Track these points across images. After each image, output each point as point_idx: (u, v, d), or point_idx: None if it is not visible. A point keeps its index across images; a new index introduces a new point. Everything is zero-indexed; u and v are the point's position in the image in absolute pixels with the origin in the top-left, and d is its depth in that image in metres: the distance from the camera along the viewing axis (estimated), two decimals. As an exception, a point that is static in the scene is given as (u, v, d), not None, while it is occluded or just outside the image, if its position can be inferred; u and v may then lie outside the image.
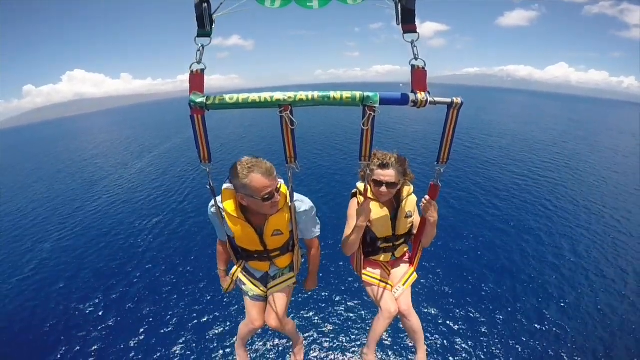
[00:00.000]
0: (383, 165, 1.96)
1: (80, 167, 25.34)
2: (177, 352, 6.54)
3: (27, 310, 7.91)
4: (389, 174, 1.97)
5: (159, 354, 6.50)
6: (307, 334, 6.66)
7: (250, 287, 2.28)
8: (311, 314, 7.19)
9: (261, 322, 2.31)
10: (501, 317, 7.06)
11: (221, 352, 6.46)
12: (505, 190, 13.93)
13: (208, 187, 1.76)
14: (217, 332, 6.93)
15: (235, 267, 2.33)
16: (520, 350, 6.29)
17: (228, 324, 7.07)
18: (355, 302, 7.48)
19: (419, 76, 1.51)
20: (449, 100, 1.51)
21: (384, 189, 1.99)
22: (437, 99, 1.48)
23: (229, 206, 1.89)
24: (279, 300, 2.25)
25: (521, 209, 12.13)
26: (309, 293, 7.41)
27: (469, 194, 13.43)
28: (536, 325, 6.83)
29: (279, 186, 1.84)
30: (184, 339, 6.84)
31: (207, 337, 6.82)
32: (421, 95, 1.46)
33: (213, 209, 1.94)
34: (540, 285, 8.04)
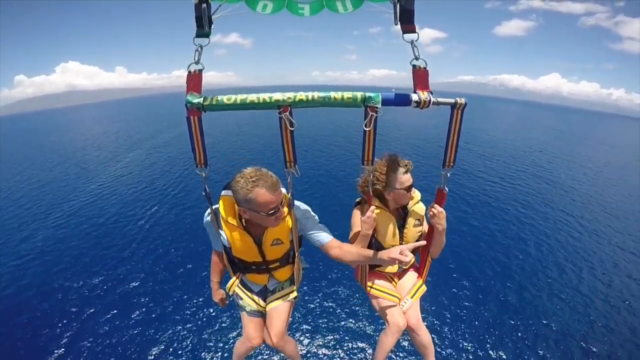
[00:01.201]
0: (407, 170, 1.91)
1: (72, 157, 24.92)
2: (169, 336, 6.65)
3: (27, 291, 8.03)
4: (410, 177, 1.94)
5: (153, 333, 6.68)
6: (308, 352, 6.30)
7: (248, 302, 2.14)
8: (312, 329, 6.80)
9: (259, 339, 2.15)
10: (513, 328, 6.94)
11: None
12: (475, 196, 14.13)
13: (204, 193, 1.66)
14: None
15: (231, 281, 2.18)
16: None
17: (211, 309, 7.05)
18: (360, 316, 7.08)
19: (420, 76, 1.48)
20: (452, 100, 1.48)
21: (410, 192, 1.97)
22: (440, 100, 1.45)
23: (227, 215, 1.78)
24: (279, 315, 2.09)
25: (491, 215, 12.31)
26: (309, 305, 7.30)
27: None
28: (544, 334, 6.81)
29: (283, 198, 1.74)
30: (174, 318, 7.02)
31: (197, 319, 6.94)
32: (424, 95, 1.43)
33: (209, 217, 1.84)
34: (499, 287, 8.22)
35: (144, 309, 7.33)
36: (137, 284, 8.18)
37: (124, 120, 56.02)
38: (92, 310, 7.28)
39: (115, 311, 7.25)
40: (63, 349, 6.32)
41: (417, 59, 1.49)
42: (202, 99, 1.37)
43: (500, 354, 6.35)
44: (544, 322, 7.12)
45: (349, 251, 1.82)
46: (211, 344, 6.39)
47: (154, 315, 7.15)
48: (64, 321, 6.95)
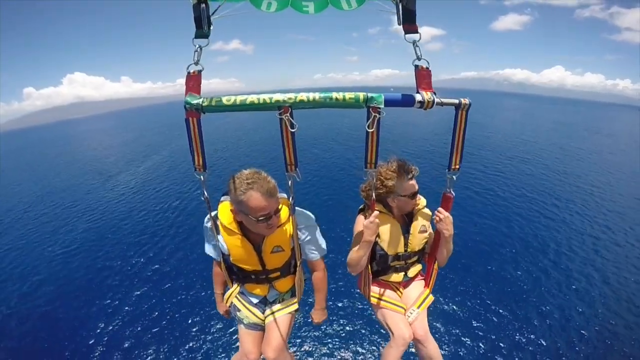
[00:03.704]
0: (413, 177, 1.85)
1: (93, 164, 26.56)
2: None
3: (76, 272, 9.56)
4: (415, 184, 1.88)
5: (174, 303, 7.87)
6: None
7: (246, 314, 2.02)
8: (312, 342, 6.55)
9: (257, 354, 2.00)
10: (519, 338, 6.59)
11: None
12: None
13: (203, 198, 1.59)
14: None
15: (230, 291, 2.06)
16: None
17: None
18: (363, 327, 6.80)
19: (423, 76, 1.45)
20: (456, 101, 1.45)
21: (415, 199, 1.92)
22: (444, 100, 1.42)
23: (226, 219, 1.73)
24: (278, 328, 1.96)
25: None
26: (308, 317, 6.85)
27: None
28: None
29: (279, 207, 1.65)
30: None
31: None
32: (427, 96, 1.39)
33: (209, 224, 1.77)
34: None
35: (170, 283, 8.57)
36: (163, 265, 9.47)
37: (133, 130, 57.49)
38: (130, 284, 8.70)
39: (146, 287, 8.55)
40: (109, 314, 7.58)
41: (419, 59, 1.47)
42: (201, 100, 1.35)
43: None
44: (560, 334, 6.68)
45: (317, 284, 2.02)
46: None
47: (180, 291, 8.26)
48: (109, 293, 8.35)
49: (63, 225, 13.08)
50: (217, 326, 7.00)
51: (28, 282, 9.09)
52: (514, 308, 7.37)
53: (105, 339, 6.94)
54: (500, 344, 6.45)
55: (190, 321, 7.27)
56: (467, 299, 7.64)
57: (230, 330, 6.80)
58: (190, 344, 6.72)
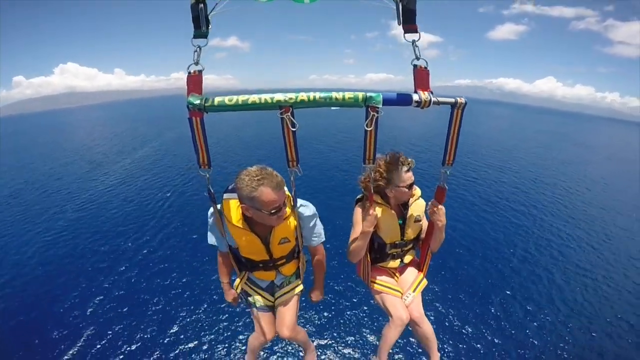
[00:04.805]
0: (409, 169, 1.96)
1: (85, 153, 26.07)
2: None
3: (63, 258, 9.45)
4: (412, 175, 1.98)
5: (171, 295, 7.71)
6: (314, 345, 6.37)
7: (257, 298, 2.22)
8: (315, 324, 6.89)
9: (272, 333, 2.25)
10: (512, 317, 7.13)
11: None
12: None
13: (206, 194, 1.67)
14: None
15: (238, 279, 2.24)
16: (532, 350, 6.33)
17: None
18: (363, 310, 7.23)
19: (421, 76, 1.49)
20: (452, 100, 1.50)
21: (412, 190, 2.03)
22: (440, 99, 1.46)
23: (233, 217, 1.82)
24: (289, 309, 2.20)
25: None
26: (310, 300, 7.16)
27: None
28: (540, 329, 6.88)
29: (286, 198, 1.78)
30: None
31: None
32: (424, 95, 1.44)
33: (212, 219, 1.86)
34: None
35: (160, 266, 8.69)
36: (153, 250, 9.62)
37: (125, 122, 56.42)
38: (119, 268, 8.72)
39: (136, 270, 8.63)
40: (98, 297, 7.59)
41: (418, 58, 1.50)
42: (203, 99, 1.37)
43: (501, 342, 6.47)
44: (543, 311, 7.34)
45: (317, 267, 2.24)
46: (224, 335, 6.59)
47: (168, 280, 8.20)
48: (99, 277, 8.36)
49: (52, 212, 12.96)
50: (203, 306, 7.28)
51: (17, 267, 9.05)
52: (501, 289, 8.06)
53: (95, 320, 6.95)
54: (492, 321, 7.03)
55: (178, 301, 7.49)
56: (458, 283, 8.23)
57: (215, 308, 7.15)
58: (179, 323, 6.95)
